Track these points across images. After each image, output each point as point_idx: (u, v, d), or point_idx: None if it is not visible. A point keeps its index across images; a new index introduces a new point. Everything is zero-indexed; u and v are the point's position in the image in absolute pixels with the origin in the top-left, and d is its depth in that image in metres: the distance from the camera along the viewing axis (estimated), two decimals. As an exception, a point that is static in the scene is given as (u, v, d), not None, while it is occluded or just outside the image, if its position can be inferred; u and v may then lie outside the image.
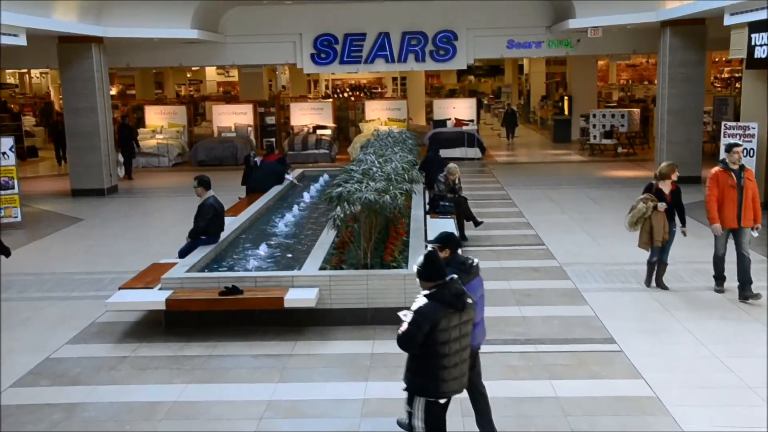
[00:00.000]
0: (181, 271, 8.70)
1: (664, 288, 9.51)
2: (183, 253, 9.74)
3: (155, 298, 8.25)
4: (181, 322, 8.44)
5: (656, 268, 9.59)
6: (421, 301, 4.83)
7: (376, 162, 10.09)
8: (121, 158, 20.81)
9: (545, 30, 22.14)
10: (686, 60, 17.52)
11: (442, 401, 4.97)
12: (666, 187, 9.36)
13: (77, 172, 18.45)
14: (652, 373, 7.02)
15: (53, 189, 19.38)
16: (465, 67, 24.05)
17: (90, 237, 13.84)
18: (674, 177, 9.39)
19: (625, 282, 10.00)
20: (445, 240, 5.66)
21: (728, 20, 14.04)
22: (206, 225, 9.78)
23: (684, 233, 9.47)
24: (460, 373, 4.96)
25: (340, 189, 8.55)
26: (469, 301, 4.93)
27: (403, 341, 4.84)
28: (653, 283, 9.63)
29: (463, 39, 22.48)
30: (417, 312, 4.79)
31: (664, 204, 9.22)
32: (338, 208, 8.64)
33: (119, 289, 8.74)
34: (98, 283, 10.46)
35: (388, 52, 22.60)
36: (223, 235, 10.26)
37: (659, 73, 18.47)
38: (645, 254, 9.96)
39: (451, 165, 12.75)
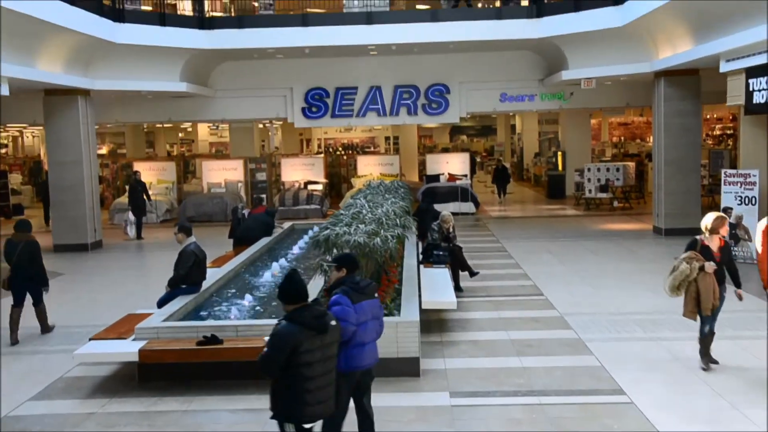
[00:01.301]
0: (157, 320, 8.13)
1: (713, 362, 7.99)
2: (161, 303, 9.18)
3: (128, 348, 7.65)
4: (156, 374, 7.83)
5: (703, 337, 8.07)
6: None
7: (366, 206, 9.63)
8: (132, 217, 20.02)
9: (538, 83, 22.02)
10: (682, 110, 17.28)
11: (308, 426, 4.85)
12: (714, 243, 7.86)
13: (60, 227, 17.92)
14: (668, 426, 6.44)
15: (36, 245, 18.75)
16: (458, 121, 23.83)
17: (68, 291, 13.20)
18: (724, 232, 7.91)
19: (630, 332, 9.42)
20: (341, 259, 5.87)
21: (724, 67, 13.82)
22: (186, 273, 9.25)
23: (740, 297, 7.95)
24: (326, 396, 4.89)
25: (327, 232, 8.08)
26: (333, 323, 4.92)
27: (262, 365, 4.74)
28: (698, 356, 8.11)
29: (455, 92, 22.33)
30: (275, 335, 4.72)
31: (712, 264, 7.71)
32: (326, 255, 8.17)
33: (90, 340, 8.12)
34: (70, 337, 9.82)
35: (380, 106, 22.40)
36: (206, 284, 9.71)
37: (655, 123, 18.22)
38: (651, 304, 9.45)
39: (445, 213, 12.30)
